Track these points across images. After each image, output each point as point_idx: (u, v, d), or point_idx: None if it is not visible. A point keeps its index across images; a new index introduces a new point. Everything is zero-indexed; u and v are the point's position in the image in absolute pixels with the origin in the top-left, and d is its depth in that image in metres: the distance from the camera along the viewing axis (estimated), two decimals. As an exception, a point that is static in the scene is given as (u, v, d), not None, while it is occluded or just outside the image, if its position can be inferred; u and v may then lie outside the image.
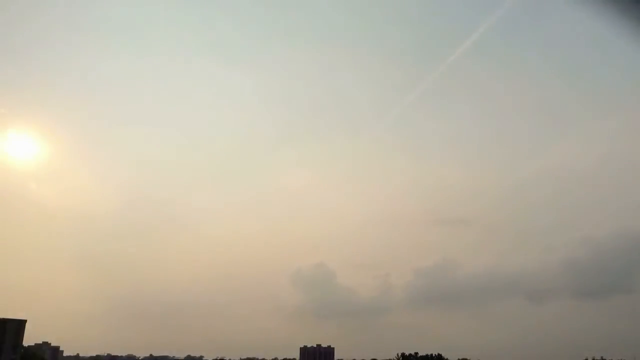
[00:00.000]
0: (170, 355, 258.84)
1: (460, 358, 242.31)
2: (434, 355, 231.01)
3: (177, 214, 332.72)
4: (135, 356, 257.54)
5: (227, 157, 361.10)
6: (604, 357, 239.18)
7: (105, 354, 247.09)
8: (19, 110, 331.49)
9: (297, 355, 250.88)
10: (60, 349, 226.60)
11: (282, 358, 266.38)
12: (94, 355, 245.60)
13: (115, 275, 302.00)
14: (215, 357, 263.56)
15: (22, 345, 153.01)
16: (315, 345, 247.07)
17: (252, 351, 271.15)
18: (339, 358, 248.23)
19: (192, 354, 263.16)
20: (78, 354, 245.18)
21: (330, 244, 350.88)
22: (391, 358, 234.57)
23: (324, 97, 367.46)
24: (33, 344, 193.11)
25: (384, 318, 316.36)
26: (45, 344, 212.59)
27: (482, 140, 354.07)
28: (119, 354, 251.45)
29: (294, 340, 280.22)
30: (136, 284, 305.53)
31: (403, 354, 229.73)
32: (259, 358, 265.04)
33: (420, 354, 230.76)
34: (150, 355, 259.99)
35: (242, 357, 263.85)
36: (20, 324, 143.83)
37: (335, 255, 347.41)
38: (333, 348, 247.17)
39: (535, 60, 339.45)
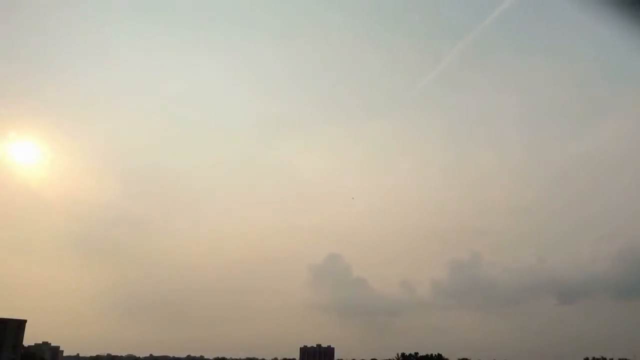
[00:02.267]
0: (170, 355, 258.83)
1: (460, 358, 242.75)
2: (434, 355, 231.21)
3: (180, 208, 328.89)
4: (135, 356, 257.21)
5: (235, 143, 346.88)
6: (603, 357, 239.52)
7: (105, 354, 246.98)
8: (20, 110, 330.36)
9: (297, 355, 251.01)
10: (60, 349, 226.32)
11: (282, 358, 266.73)
12: (94, 355, 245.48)
13: (116, 274, 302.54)
14: (215, 357, 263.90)
15: (22, 345, 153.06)
16: (315, 345, 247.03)
17: (252, 351, 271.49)
18: (339, 358, 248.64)
19: (192, 354, 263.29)
20: (78, 354, 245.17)
21: (347, 235, 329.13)
22: (391, 358, 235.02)
23: (340, 78, 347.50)
24: (33, 344, 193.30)
25: (405, 316, 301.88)
26: (45, 344, 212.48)
27: (513, 120, 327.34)
28: (119, 354, 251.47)
29: (294, 340, 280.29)
30: (135, 283, 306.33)
31: (403, 354, 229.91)
32: (259, 358, 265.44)
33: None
34: (150, 355, 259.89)
35: (242, 357, 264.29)
36: (20, 324, 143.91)
37: (353, 247, 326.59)
38: (333, 348, 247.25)
39: (568, 35, 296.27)
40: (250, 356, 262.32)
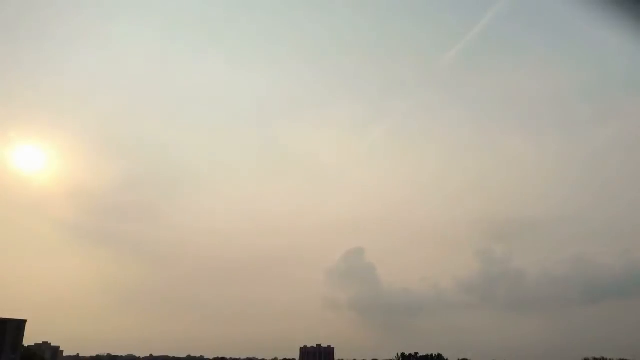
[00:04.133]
0: (170, 355, 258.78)
1: (460, 358, 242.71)
2: (434, 355, 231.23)
3: (187, 200, 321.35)
4: (135, 356, 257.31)
5: (246, 129, 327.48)
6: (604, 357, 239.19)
7: (105, 354, 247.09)
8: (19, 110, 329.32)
9: (297, 355, 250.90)
10: (60, 349, 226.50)
11: (282, 358, 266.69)
12: (94, 355, 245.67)
13: (116, 273, 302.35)
14: (215, 357, 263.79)
15: (22, 345, 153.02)
16: (315, 345, 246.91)
17: (252, 351, 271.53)
18: (339, 358, 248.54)
19: (192, 354, 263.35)
20: (78, 354, 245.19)
21: (366, 226, 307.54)
22: (391, 358, 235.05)
23: (357, 57, 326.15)
24: (33, 344, 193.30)
25: (428, 315, 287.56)
26: (45, 344, 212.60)
27: (540, 102, 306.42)
28: (119, 354, 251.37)
29: (294, 340, 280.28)
30: (136, 282, 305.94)
31: (403, 354, 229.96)
32: (259, 358, 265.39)
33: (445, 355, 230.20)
34: (150, 355, 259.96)
35: (242, 357, 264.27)
36: (20, 324, 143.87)
37: (372, 239, 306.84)
38: (333, 348, 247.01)
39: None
40: (250, 356, 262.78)
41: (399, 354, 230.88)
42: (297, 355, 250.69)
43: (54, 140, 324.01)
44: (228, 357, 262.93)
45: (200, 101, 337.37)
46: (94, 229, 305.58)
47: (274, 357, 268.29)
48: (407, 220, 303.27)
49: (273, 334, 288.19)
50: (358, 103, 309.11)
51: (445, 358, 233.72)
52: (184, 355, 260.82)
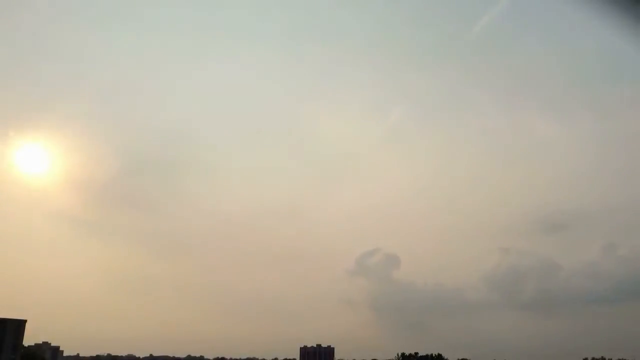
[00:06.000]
0: (170, 355, 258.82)
1: (460, 358, 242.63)
2: (434, 355, 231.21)
3: (192, 189, 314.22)
4: (135, 356, 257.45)
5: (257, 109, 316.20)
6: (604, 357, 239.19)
7: (105, 354, 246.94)
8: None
9: (297, 355, 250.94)
10: (60, 349, 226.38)
11: (282, 358, 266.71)
12: (94, 355, 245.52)
13: (117, 272, 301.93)
14: (215, 357, 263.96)
15: (22, 345, 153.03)
16: (315, 345, 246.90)
17: (252, 351, 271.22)
18: (339, 358, 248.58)
19: (192, 354, 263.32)
20: (78, 354, 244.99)
21: (385, 217, 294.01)
22: (391, 358, 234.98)
23: (376, 33, 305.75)
24: (33, 344, 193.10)
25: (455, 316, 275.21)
26: (45, 344, 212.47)
27: (569, 82, 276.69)
28: (119, 354, 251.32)
29: (294, 340, 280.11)
30: (136, 281, 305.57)
31: (403, 354, 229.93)
32: (259, 358, 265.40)
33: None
34: (150, 355, 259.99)
35: (242, 357, 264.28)
36: (20, 324, 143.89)
37: (391, 231, 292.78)
38: (333, 348, 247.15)
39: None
40: (250, 356, 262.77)
41: (399, 354, 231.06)
42: (297, 355, 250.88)
43: (50, 132, 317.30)
44: (228, 357, 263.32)
45: (212, 87, 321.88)
46: (96, 221, 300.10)
47: (274, 357, 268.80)
48: (422, 212, 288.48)
49: (273, 334, 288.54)
50: (375, 84, 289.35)
51: (446, 358, 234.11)
52: (184, 355, 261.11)
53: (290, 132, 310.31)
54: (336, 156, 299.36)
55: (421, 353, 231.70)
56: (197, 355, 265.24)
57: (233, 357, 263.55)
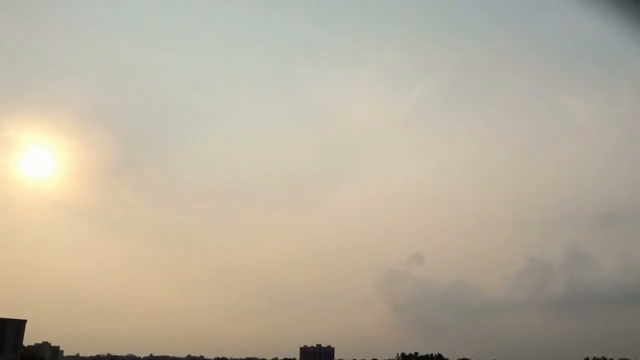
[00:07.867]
0: (170, 355, 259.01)
1: (460, 358, 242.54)
2: (434, 355, 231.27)
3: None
4: (135, 356, 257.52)
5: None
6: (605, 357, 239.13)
7: (106, 354, 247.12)
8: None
9: (297, 355, 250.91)
10: (60, 349, 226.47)
11: (282, 358, 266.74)
12: (94, 355, 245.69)
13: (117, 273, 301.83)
14: (215, 357, 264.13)
15: (22, 345, 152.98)
16: (315, 345, 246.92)
17: (252, 351, 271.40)
18: (339, 358, 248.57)
19: (192, 354, 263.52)
20: (78, 354, 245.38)
21: (404, 206, 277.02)
22: (391, 358, 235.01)
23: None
24: (33, 344, 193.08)
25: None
26: (45, 344, 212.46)
27: (607, 58, 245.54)
28: (119, 354, 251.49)
29: (294, 340, 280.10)
30: (136, 280, 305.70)
31: (403, 354, 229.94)
32: (259, 358, 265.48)
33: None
34: (150, 355, 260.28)
35: (242, 357, 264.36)
36: (20, 324, 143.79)
37: (413, 225, 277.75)
38: (333, 348, 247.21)
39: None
40: (250, 356, 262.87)
41: (399, 354, 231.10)
42: (297, 355, 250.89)
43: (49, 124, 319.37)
44: (228, 357, 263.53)
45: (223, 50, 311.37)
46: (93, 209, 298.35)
47: (274, 357, 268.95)
48: (448, 200, 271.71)
49: (273, 334, 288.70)
50: (400, 57, 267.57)
51: (446, 358, 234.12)
52: (184, 355, 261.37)
53: (298, 101, 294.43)
54: (359, 138, 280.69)
55: (421, 353, 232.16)
56: (197, 355, 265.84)
57: (233, 357, 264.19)
